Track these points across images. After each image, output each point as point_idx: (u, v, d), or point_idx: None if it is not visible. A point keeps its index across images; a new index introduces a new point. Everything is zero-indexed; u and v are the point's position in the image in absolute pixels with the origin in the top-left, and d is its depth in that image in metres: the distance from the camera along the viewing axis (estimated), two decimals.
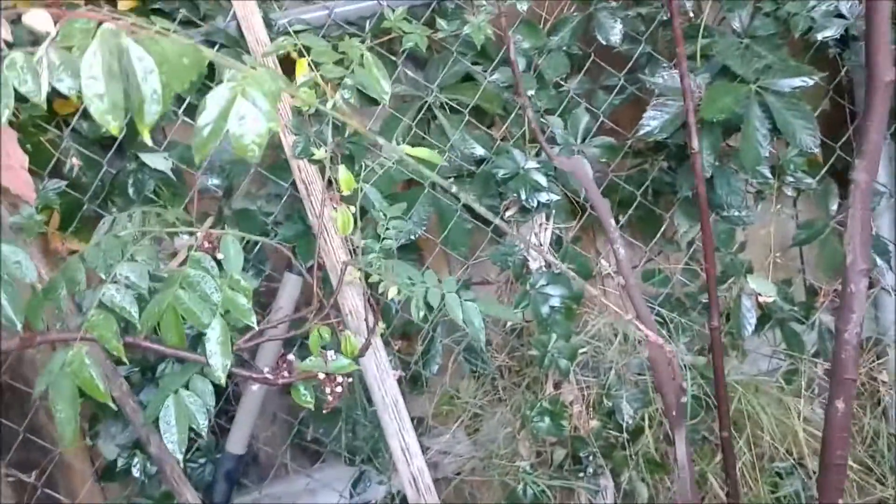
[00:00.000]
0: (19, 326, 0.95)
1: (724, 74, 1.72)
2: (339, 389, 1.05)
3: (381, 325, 1.50)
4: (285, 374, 1.09)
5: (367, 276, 1.38)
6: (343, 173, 1.15)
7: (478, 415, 2.11)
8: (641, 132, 1.76)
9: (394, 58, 1.81)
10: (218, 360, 0.99)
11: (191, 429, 1.09)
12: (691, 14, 1.69)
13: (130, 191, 1.71)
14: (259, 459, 2.15)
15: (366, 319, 1.35)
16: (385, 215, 1.31)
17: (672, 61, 1.83)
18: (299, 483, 2.07)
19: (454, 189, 1.78)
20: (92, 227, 1.82)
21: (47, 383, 1.00)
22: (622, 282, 2.03)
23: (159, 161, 1.71)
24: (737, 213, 1.88)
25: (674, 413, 1.17)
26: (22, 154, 1.59)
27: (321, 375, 1.04)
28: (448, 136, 1.86)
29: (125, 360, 0.98)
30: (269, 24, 1.69)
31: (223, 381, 1.00)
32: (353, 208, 1.16)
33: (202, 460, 1.83)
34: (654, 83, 1.77)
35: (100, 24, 0.56)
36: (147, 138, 0.60)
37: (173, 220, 1.31)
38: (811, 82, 1.69)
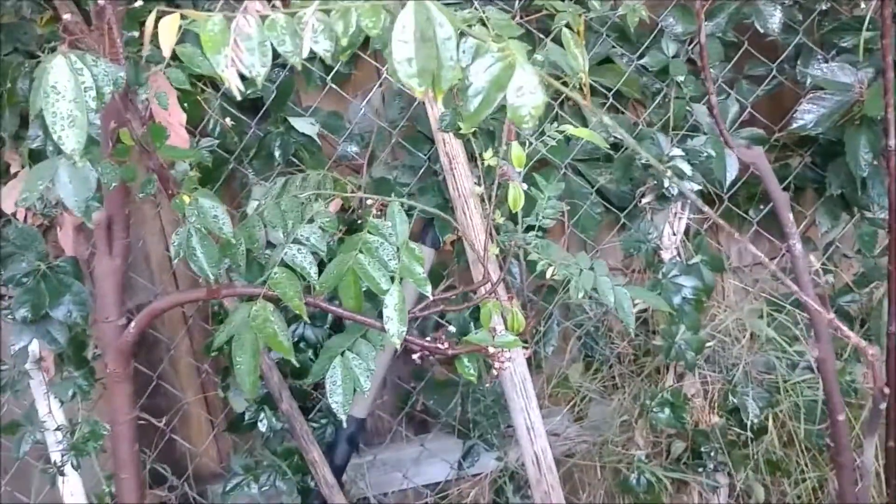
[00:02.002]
0: (212, 279, 0.99)
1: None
2: (507, 364, 1.06)
3: (517, 303, 1.50)
4: (446, 344, 1.10)
5: (505, 252, 1.38)
6: (516, 149, 1.14)
7: (589, 399, 2.10)
8: (795, 125, 1.70)
9: (541, 35, 1.80)
10: (395, 325, 1.01)
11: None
12: (863, 4, 1.62)
13: (277, 153, 1.74)
14: (366, 424, 2.20)
15: (511, 297, 1.35)
16: (543, 194, 1.31)
17: (828, 53, 1.76)
18: (408, 451, 2.10)
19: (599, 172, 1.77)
20: (231, 184, 1.88)
21: (230, 335, 1.03)
22: (755, 276, 1.99)
23: (306, 126, 1.74)
24: (882, 216, 1.81)
25: (868, 418, 1.13)
26: (181, 112, 1.64)
27: (490, 349, 1.04)
28: (586, 118, 1.84)
29: (306, 318, 1.01)
30: None
31: (398, 346, 1.01)
32: (523, 185, 1.15)
33: (323, 421, 1.87)
34: (810, 75, 1.71)
35: None
36: (440, 103, 0.60)
37: (321, 183, 1.33)
38: None
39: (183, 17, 0.72)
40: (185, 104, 1.66)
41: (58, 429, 1.73)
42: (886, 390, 1.06)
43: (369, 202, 1.16)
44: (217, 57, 0.66)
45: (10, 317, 1.57)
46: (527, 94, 0.58)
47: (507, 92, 0.58)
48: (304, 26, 0.63)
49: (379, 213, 1.15)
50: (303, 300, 1.01)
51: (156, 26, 0.71)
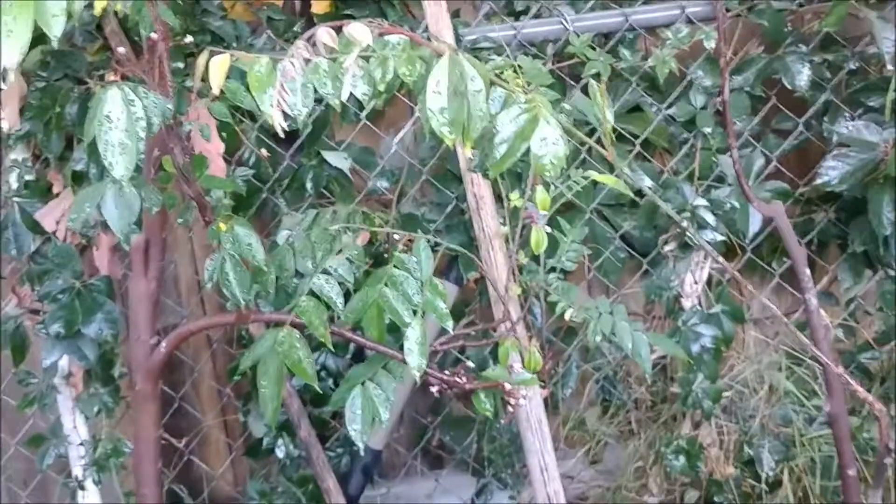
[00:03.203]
0: (243, 304, 1.02)
1: None
2: (522, 402, 1.08)
3: (536, 342, 1.52)
4: (465, 379, 1.13)
5: (526, 293, 1.41)
6: (541, 193, 1.18)
7: (605, 443, 2.10)
8: (819, 181, 1.72)
9: (571, 82, 1.84)
10: (416, 358, 1.04)
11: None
12: (890, 67, 1.65)
13: (308, 185, 1.79)
14: (382, 456, 2.21)
15: (530, 336, 1.37)
16: (566, 237, 1.34)
17: (855, 111, 1.79)
18: (422, 485, 2.11)
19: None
20: (261, 214, 1.93)
21: (255, 360, 1.07)
22: (775, 328, 2.00)
23: (339, 160, 1.79)
24: None
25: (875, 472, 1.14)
26: (220, 142, 1.70)
27: (507, 386, 1.07)
28: (613, 165, 1.87)
29: (330, 347, 1.04)
30: (458, 38, 1.74)
31: (418, 379, 1.04)
32: (547, 228, 1.18)
33: (340, 450, 1.89)
34: (836, 132, 1.74)
35: (411, 41, 0.61)
36: (469, 152, 0.64)
37: (351, 216, 1.38)
38: None
39: (232, 56, 0.77)
40: (224, 134, 1.72)
41: (81, 444, 1.77)
42: (892, 445, 1.07)
43: (396, 237, 1.19)
44: (262, 96, 0.71)
45: (43, 332, 1.62)
46: (549, 144, 0.61)
47: (531, 142, 0.61)
48: (346, 71, 0.68)
49: (405, 248, 1.19)
50: (328, 329, 1.05)
51: (207, 64, 0.75)
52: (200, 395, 2.12)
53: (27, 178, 1.68)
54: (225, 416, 2.13)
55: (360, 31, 0.67)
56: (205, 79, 0.82)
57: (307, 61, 0.69)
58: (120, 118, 0.85)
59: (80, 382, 1.74)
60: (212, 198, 1.72)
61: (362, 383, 1.13)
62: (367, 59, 0.68)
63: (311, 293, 1.07)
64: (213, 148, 1.69)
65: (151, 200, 0.99)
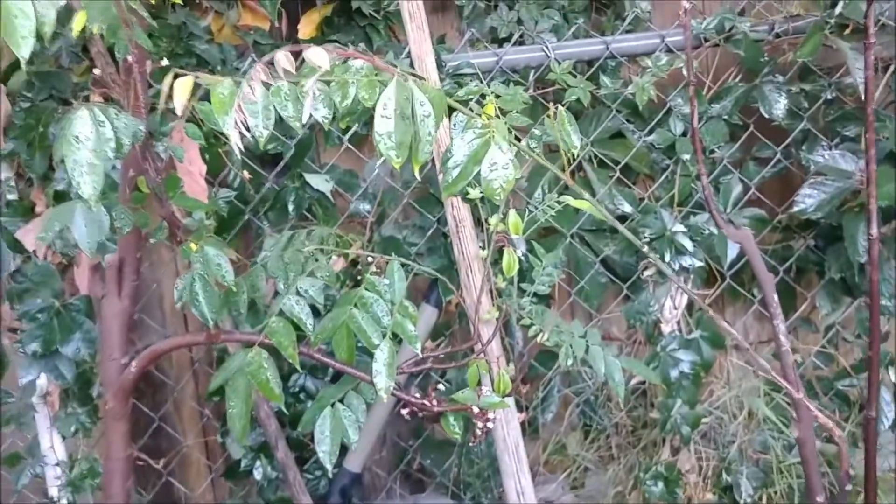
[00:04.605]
0: (212, 324, 1.03)
1: (890, 160, 1.69)
2: (490, 425, 1.09)
3: (510, 366, 1.53)
4: (434, 402, 1.13)
5: (507, 316, 1.41)
6: (513, 217, 1.19)
7: (585, 468, 2.10)
8: (796, 209, 1.74)
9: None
10: (383, 380, 1.04)
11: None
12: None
13: (290, 207, 1.80)
14: (363, 479, 2.20)
15: (511, 359, 1.38)
16: (541, 261, 1.35)
17: (832, 140, 1.81)
18: None
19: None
20: (245, 235, 1.94)
21: (224, 380, 1.07)
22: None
23: (321, 182, 1.80)
24: (885, 302, 1.83)
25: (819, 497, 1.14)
26: (202, 163, 1.71)
27: (475, 409, 1.07)
28: (594, 190, 1.89)
29: (298, 367, 1.04)
30: (440, 64, 1.77)
31: (385, 400, 1.05)
32: (520, 252, 1.20)
33: (318, 472, 1.89)
34: (812, 160, 1.76)
35: (373, 66, 0.63)
36: (417, 174, 0.65)
37: (325, 238, 1.39)
38: None
39: (199, 78, 0.78)
40: (207, 156, 1.73)
41: (57, 464, 1.76)
42: (851, 472, 1.07)
43: (370, 259, 1.20)
44: (224, 117, 0.72)
45: (21, 350, 1.62)
46: (499, 169, 0.62)
47: (482, 166, 0.62)
48: (306, 95, 0.69)
49: (378, 271, 1.20)
50: (297, 350, 1.05)
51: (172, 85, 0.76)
52: (182, 415, 2.12)
53: (10, 197, 1.69)
54: (206, 437, 2.12)
55: (318, 55, 0.68)
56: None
57: (267, 85, 0.70)
58: (89, 138, 0.86)
59: (56, 402, 1.73)
60: (193, 219, 1.74)
61: (332, 405, 1.13)
62: (327, 83, 0.70)
63: (282, 314, 1.08)
64: (195, 168, 1.70)
65: (122, 220, 1.00)
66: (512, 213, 1.22)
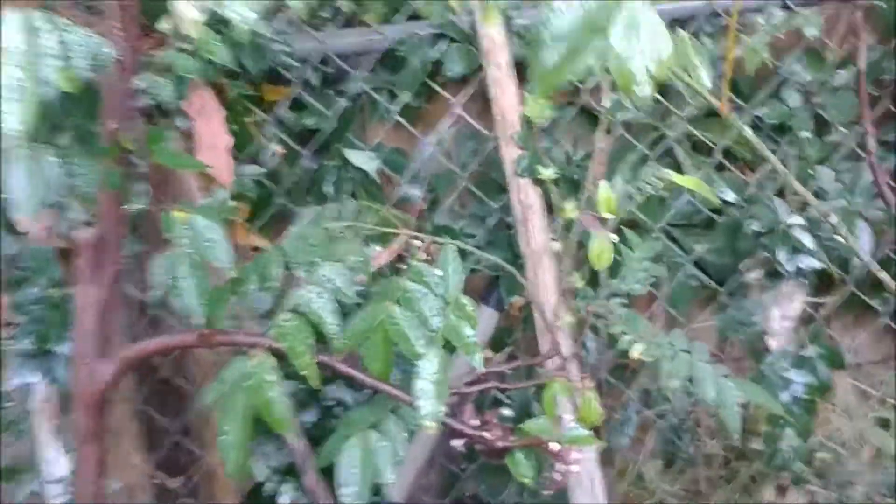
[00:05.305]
0: (201, 318, 0.77)
1: None
2: (574, 469, 0.80)
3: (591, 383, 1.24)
4: (497, 432, 0.85)
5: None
6: (604, 191, 0.90)
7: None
8: None
9: None
10: (429, 403, 0.76)
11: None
12: None
13: (330, 189, 1.54)
14: None
15: (585, 376, 1.09)
16: (635, 253, 1.05)
17: None
18: None
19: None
20: (280, 224, 1.69)
21: (218, 395, 0.81)
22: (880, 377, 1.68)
23: (365, 160, 1.54)
24: None
25: None
26: (228, 135, 1.47)
27: (553, 446, 0.79)
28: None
29: (316, 382, 0.77)
30: (507, 21, 1.49)
31: (433, 431, 0.77)
32: (613, 237, 0.90)
33: None
34: None
35: None
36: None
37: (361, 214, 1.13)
38: None
39: None
40: (235, 127, 1.49)
41: (59, 481, 1.53)
42: None
43: (417, 243, 0.93)
44: None
45: (12, 348, 1.39)
46: (642, 37, 0.33)
47: (613, 31, 0.34)
48: None
49: (430, 258, 0.92)
50: (314, 358, 0.78)
51: None
52: (207, 429, 1.88)
53: None
54: None
55: None
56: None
57: None
58: (19, 49, 0.60)
59: (55, 408, 1.50)
60: (215, 198, 1.48)
61: (363, 431, 0.86)
62: None
63: (296, 310, 0.81)
64: (220, 142, 1.46)
65: (85, 177, 0.74)
66: (603, 185, 0.93)
